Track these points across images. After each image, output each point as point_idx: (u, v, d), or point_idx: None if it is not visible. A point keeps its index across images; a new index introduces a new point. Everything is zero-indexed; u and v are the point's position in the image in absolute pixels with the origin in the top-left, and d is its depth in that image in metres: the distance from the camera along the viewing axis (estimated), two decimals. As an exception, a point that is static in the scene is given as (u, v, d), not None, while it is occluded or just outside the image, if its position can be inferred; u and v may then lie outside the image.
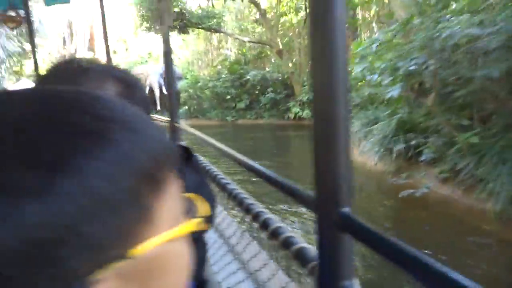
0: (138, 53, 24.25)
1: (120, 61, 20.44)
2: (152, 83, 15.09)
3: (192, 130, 1.91)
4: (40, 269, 0.21)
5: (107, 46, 3.94)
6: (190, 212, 0.32)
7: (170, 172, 0.29)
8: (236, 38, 18.91)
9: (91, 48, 18.35)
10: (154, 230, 0.27)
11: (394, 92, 5.53)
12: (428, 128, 6.00)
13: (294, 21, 19.31)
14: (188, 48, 24.37)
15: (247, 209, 1.02)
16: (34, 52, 4.06)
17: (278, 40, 18.96)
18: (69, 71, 0.59)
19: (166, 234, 0.27)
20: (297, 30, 20.56)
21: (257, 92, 20.12)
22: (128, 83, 0.62)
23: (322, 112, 0.57)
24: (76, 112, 0.26)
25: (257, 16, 19.43)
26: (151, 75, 15.75)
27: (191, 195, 0.35)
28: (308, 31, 0.58)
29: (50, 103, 0.26)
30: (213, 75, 21.66)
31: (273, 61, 21.27)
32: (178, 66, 22.49)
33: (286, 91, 19.77)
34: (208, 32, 19.87)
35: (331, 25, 0.54)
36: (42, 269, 0.21)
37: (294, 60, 20.08)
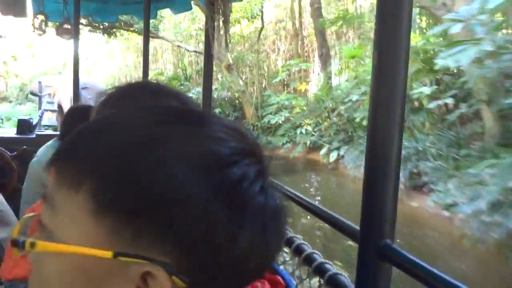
0: (48, 61, 19.45)
1: (20, 71, 15.70)
2: (62, 100, 10.92)
3: None
4: None
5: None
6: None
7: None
8: (179, 46, 15.53)
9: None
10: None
11: None
12: None
13: (246, 32, 16.62)
14: (114, 58, 20.27)
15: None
16: None
17: (228, 52, 16.01)
18: (141, 91, 0.66)
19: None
20: (247, 44, 17.87)
21: (201, 113, 16.88)
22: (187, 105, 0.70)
23: (376, 152, 0.62)
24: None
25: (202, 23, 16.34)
26: (60, 89, 11.59)
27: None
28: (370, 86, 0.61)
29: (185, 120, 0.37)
30: (146, 91, 17.90)
31: (219, 78, 18.23)
32: (101, 81, 18.34)
33: (236, 113, 16.79)
34: (141, 38, 16.21)
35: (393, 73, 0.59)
36: None
37: (244, 77, 17.33)
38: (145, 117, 0.36)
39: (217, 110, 16.20)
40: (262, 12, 14.73)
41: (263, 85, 17.75)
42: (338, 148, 9.11)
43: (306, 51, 17.23)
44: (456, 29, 4.65)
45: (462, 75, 5.31)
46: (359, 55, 8.26)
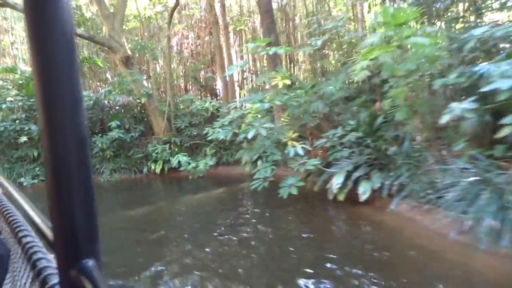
0: None
1: None
2: None
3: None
4: None
5: None
6: None
7: None
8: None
9: None
10: None
11: None
12: None
13: (149, 12, 11.94)
14: None
15: (29, 258, 0.88)
16: None
17: (124, 40, 11.07)
18: None
19: None
20: (154, 26, 13.08)
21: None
22: None
23: (53, 139, 0.50)
24: None
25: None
26: None
27: None
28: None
29: None
30: (-13, 98, 11.69)
31: (109, 78, 12.96)
32: None
33: (140, 127, 11.95)
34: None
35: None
36: None
37: (152, 74, 12.58)
38: None
39: (112, 124, 11.07)
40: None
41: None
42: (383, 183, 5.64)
43: (234, 42, 13.50)
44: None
45: None
46: (408, 20, 5.09)
